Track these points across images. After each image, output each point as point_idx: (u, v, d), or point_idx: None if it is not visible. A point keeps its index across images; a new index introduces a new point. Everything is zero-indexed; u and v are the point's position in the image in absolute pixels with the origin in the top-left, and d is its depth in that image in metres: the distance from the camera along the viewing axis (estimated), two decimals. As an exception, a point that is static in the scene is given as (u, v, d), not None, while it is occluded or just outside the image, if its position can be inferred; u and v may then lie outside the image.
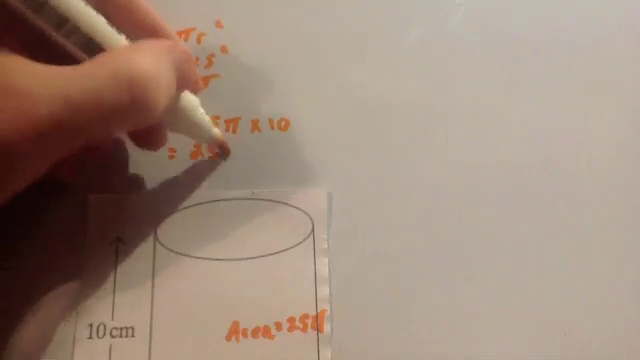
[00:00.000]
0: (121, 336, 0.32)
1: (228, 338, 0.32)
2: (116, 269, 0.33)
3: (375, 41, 0.39)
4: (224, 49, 0.39)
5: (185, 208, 0.34)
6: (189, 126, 0.33)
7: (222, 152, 0.36)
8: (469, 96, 0.38)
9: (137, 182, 0.35)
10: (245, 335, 0.32)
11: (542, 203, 0.35)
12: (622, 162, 0.36)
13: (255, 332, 0.32)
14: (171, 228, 0.34)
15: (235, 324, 0.32)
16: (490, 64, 0.38)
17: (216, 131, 0.35)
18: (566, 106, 0.38)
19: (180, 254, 0.33)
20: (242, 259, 0.33)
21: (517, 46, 0.39)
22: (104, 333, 0.32)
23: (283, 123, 0.37)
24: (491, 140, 0.37)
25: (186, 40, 0.39)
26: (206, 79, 0.38)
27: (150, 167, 0.35)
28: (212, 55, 0.38)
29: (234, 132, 0.37)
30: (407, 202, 0.35)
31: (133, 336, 0.32)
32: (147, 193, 0.35)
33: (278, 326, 0.32)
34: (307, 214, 0.34)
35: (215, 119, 0.37)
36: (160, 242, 0.34)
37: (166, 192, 0.35)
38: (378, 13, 0.40)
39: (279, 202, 0.34)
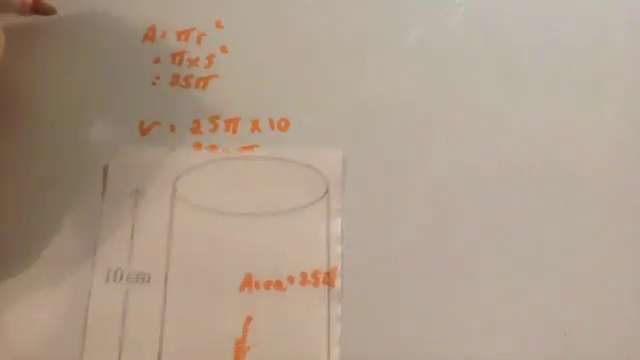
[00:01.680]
0: (137, 282, 0.33)
1: (241, 289, 0.33)
2: (135, 218, 0.34)
3: (375, 41, 0.39)
4: (224, 49, 0.39)
5: (203, 164, 0.35)
6: None
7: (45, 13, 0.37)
8: (469, 96, 0.38)
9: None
10: (257, 287, 0.33)
11: (543, 203, 0.35)
12: (622, 162, 0.36)
13: (267, 284, 0.33)
14: (189, 181, 0.35)
15: (248, 276, 0.33)
16: (490, 64, 0.38)
17: None
18: (566, 106, 0.38)
19: (197, 206, 0.34)
20: (258, 215, 0.34)
21: (517, 46, 0.39)
22: (121, 277, 0.33)
23: (283, 123, 0.37)
24: (491, 140, 0.37)
25: (186, 40, 0.39)
26: (206, 79, 0.38)
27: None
28: (212, 55, 0.38)
29: (234, 132, 0.37)
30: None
31: (149, 282, 0.33)
32: (166, 148, 0.36)
33: (290, 279, 0.33)
34: (323, 175, 0.35)
35: (215, 119, 0.37)
36: (178, 194, 0.34)
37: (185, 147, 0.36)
38: (378, 13, 0.40)
39: (296, 162, 0.35)
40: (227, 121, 0.37)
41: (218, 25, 0.39)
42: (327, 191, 0.35)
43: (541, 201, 0.35)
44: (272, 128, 0.37)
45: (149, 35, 0.39)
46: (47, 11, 0.37)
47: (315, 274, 0.33)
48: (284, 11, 0.39)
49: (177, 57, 0.38)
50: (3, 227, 0.34)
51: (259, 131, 0.37)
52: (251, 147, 0.36)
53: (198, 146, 0.36)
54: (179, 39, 0.39)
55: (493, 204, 0.35)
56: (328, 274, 0.33)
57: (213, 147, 0.36)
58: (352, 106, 0.37)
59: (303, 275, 0.33)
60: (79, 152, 0.36)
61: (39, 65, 0.38)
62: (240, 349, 0.32)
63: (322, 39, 0.39)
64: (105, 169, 0.35)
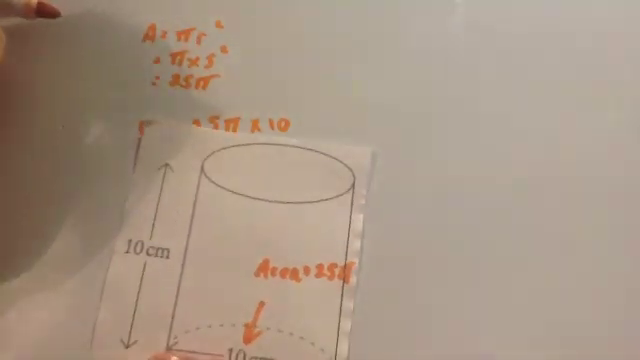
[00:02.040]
0: (157, 255, 0.34)
1: (257, 274, 0.33)
2: (161, 193, 0.35)
3: (375, 41, 0.39)
4: (224, 49, 0.39)
5: (234, 146, 0.36)
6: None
7: (49, 15, 0.37)
8: (469, 96, 0.38)
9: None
10: (274, 274, 0.33)
11: (543, 203, 0.35)
12: (622, 162, 0.36)
13: (284, 272, 0.33)
14: (218, 162, 0.35)
15: (265, 262, 0.33)
16: (490, 64, 0.38)
17: None
18: (566, 106, 0.38)
19: (223, 188, 0.35)
20: (282, 202, 0.34)
21: (517, 46, 0.39)
22: (141, 250, 0.34)
23: (283, 123, 0.37)
24: (490, 140, 0.37)
25: (186, 40, 0.39)
26: (206, 79, 0.38)
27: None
28: (212, 55, 0.38)
29: (234, 132, 0.37)
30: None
31: (168, 257, 0.34)
32: (199, 126, 0.36)
33: (306, 270, 0.33)
34: (350, 169, 0.35)
35: (215, 119, 0.37)
36: (206, 174, 0.35)
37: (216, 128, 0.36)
38: (378, 13, 0.40)
39: (325, 154, 0.36)
40: (227, 121, 0.37)
41: (218, 25, 0.39)
42: (353, 186, 0.35)
43: (542, 201, 0.35)
44: (272, 128, 0.37)
45: (149, 35, 0.39)
46: (51, 14, 0.37)
47: (331, 267, 0.33)
48: (284, 11, 0.39)
49: (177, 57, 0.38)
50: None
51: (259, 131, 0.37)
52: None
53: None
54: (179, 39, 0.39)
55: (492, 204, 0.35)
56: (344, 269, 0.33)
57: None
58: (352, 106, 0.37)
59: (320, 267, 0.33)
60: (79, 152, 0.36)
61: (39, 65, 0.38)
62: (249, 332, 0.32)
63: (322, 39, 0.39)
64: (139, 141, 0.35)
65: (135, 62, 0.38)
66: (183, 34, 0.39)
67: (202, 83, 0.38)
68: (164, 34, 0.39)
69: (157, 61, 0.38)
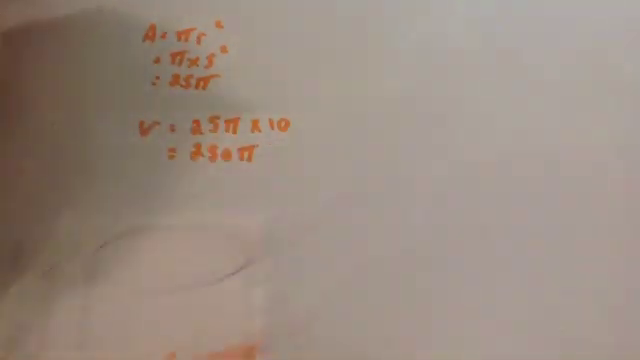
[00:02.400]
0: None
1: None
2: (48, 299, 0.32)
3: (375, 41, 0.39)
4: (224, 49, 0.39)
5: (118, 239, 0.33)
6: None
7: None
8: (469, 96, 0.38)
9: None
10: None
11: (542, 203, 0.35)
12: (622, 162, 0.36)
13: None
14: (106, 259, 0.33)
15: (171, 355, 0.31)
16: (490, 64, 0.38)
17: None
18: (566, 105, 0.38)
19: (113, 286, 0.32)
20: (177, 289, 0.32)
21: (517, 46, 0.39)
22: None
23: (283, 123, 0.37)
24: (490, 140, 0.37)
25: (186, 40, 0.39)
26: (206, 79, 0.38)
27: (148, 168, 0.35)
28: (212, 55, 0.38)
29: (234, 132, 0.37)
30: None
31: None
32: (82, 223, 0.34)
33: (212, 357, 0.31)
34: (244, 242, 0.33)
35: (215, 119, 0.37)
36: (91, 274, 0.33)
37: (101, 220, 0.34)
38: (378, 13, 0.40)
39: (214, 229, 0.34)
40: (227, 121, 0.37)
41: (218, 25, 0.39)
42: (249, 259, 0.33)
43: (541, 201, 0.35)
44: (272, 128, 0.37)
45: (149, 35, 0.39)
46: None
47: (240, 348, 0.31)
48: (284, 11, 0.39)
49: (177, 57, 0.38)
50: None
51: (259, 131, 0.37)
52: (251, 147, 0.36)
53: (195, 155, 0.36)
54: (179, 39, 0.39)
55: (492, 204, 0.35)
56: (252, 348, 0.31)
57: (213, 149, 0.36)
58: (352, 106, 0.37)
59: (227, 351, 0.31)
60: (78, 152, 0.36)
61: (39, 64, 0.38)
62: None
63: (322, 39, 0.39)
64: (19, 245, 0.33)
65: (135, 62, 0.38)
66: (183, 34, 0.39)
67: (202, 83, 0.38)
68: (164, 34, 0.39)
69: (157, 61, 0.38)
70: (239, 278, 0.33)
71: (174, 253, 0.33)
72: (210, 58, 0.38)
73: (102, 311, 0.32)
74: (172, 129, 0.37)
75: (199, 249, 0.33)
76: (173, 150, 0.36)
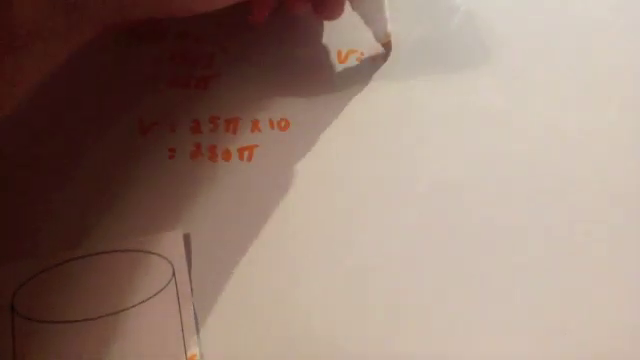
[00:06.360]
0: None
1: None
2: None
3: (375, 41, 0.39)
4: (224, 49, 0.39)
5: (39, 273, 0.32)
6: (373, 10, 0.35)
7: (385, 51, 0.38)
8: (468, 96, 0.38)
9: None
10: None
11: (542, 203, 0.35)
12: (622, 162, 0.36)
13: None
14: (28, 295, 0.32)
15: None
16: (490, 64, 0.38)
17: (390, 27, 0.36)
18: (566, 106, 0.38)
19: (40, 321, 0.31)
20: (104, 316, 0.31)
21: (517, 46, 0.39)
22: None
23: (283, 123, 0.37)
24: (491, 140, 0.37)
25: (186, 40, 0.39)
26: (206, 79, 0.38)
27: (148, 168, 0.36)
28: (212, 55, 0.39)
29: (234, 132, 0.37)
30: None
31: None
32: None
33: None
34: (166, 259, 0.33)
35: (215, 119, 0.37)
36: (18, 312, 0.31)
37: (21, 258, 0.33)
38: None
39: (134, 251, 0.33)
40: (227, 121, 0.37)
41: (218, 25, 0.39)
42: (173, 275, 0.32)
43: (541, 201, 0.35)
44: (272, 128, 0.37)
45: (149, 35, 0.39)
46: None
47: None
48: (284, 10, 0.39)
49: (177, 57, 0.39)
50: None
51: (259, 131, 0.37)
52: (251, 147, 0.36)
53: (194, 155, 0.36)
54: (179, 39, 0.39)
55: (492, 204, 0.35)
56: None
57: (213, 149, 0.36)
58: (352, 105, 0.37)
59: None
60: (78, 152, 0.36)
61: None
62: None
63: (322, 39, 0.39)
64: None
65: (135, 62, 0.38)
66: (183, 34, 0.39)
67: (202, 83, 0.38)
68: (164, 34, 0.39)
69: (157, 61, 0.38)
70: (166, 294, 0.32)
71: (94, 281, 0.32)
72: (210, 58, 0.38)
73: (30, 350, 0.31)
74: (172, 129, 0.37)
75: (123, 272, 0.32)
76: (173, 150, 0.36)
